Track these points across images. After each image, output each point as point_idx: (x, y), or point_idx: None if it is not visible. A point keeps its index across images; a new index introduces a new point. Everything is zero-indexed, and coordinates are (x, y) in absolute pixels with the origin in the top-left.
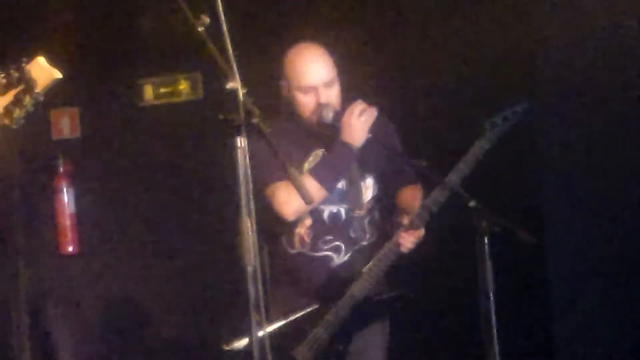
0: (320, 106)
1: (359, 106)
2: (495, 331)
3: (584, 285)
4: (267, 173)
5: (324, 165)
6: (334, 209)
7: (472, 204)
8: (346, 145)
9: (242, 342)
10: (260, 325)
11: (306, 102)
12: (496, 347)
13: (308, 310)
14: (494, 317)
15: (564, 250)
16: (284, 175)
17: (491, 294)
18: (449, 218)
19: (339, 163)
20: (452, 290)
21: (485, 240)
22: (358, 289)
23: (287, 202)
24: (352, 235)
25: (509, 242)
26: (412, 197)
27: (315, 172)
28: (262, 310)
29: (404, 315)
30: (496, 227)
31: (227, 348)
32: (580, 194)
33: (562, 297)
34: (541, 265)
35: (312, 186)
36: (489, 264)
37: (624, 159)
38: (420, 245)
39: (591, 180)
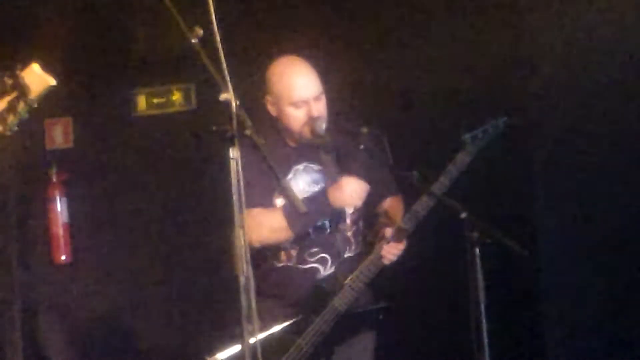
0: (311, 119)
1: (353, 182)
2: (486, 341)
3: (576, 295)
4: None
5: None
6: (318, 222)
7: (463, 215)
8: (327, 204)
9: (224, 353)
10: (253, 336)
11: (298, 116)
12: (487, 357)
13: (290, 322)
14: (485, 328)
15: (555, 261)
16: (255, 201)
17: (482, 304)
18: (441, 229)
19: (313, 214)
20: (443, 300)
21: (477, 251)
22: (340, 301)
23: (253, 230)
24: (338, 247)
25: (500, 253)
26: (394, 209)
27: (287, 214)
28: (255, 320)
29: (395, 326)
30: (487, 238)
31: (209, 359)
32: (572, 204)
33: (554, 308)
34: (532, 276)
35: (280, 224)
36: (480, 275)
37: (615, 168)
38: (409, 256)
39: (582, 191)
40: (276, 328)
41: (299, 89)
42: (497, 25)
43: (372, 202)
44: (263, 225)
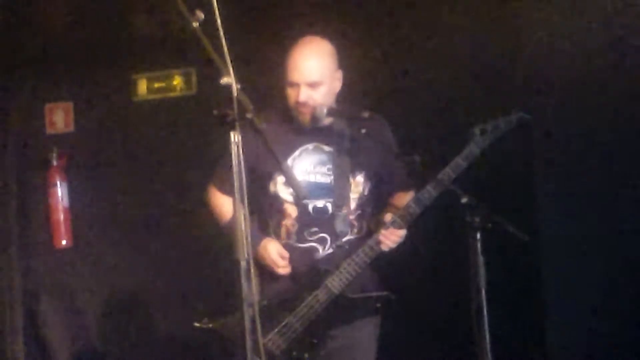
0: (296, 103)
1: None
2: (487, 327)
3: (577, 281)
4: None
5: None
6: (320, 203)
7: (465, 200)
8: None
9: (212, 323)
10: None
11: (290, 95)
12: (488, 343)
13: (277, 298)
14: (485, 313)
15: (556, 246)
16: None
17: (483, 290)
18: (442, 214)
19: None
20: (444, 286)
21: (478, 236)
22: (334, 282)
23: (212, 204)
24: (338, 229)
25: (502, 238)
26: (404, 201)
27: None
28: (256, 303)
29: (396, 311)
30: (489, 223)
31: (198, 325)
32: (573, 190)
33: (555, 293)
34: (533, 261)
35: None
36: (481, 260)
37: (616, 156)
38: (411, 242)
39: (584, 177)
40: (264, 302)
41: (294, 70)
42: (502, 18)
43: (381, 191)
44: (215, 207)
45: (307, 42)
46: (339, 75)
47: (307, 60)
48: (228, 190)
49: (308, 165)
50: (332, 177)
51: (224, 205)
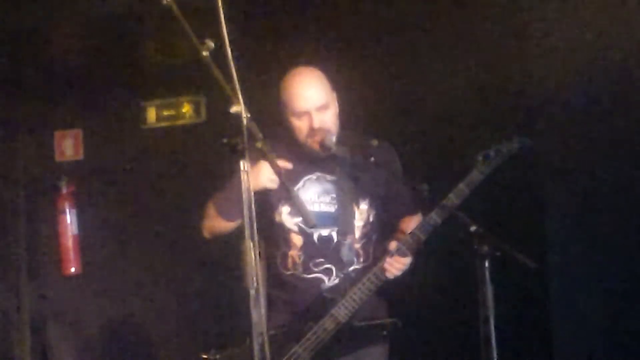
0: (312, 131)
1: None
2: (495, 356)
3: (585, 309)
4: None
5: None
6: (325, 232)
7: (473, 228)
8: None
9: (220, 353)
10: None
11: (300, 127)
12: None
13: (284, 328)
14: (494, 342)
15: (564, 275)
16: None
17: (491, 318)
18: (450, 242)
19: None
20: (453, 313)
21: (486, 264)
22: (340, 311)
23: (203, 222)
24: (344, 258)
25: (510, 266)
26: (410, 227)
27: (215, 201)
28: (265, 332)
29: (404, 339)
30: (497, 251)
31: (205, 356)
32: (581, 217)
33: (563, 321)
34: (542, 290)
35: (212, 211)
36: (489, 288)
37: (626, 182)
38: (418, 269)
39: (592, 205)
40: (271, 332)
41: (299, 99)
42: (508, 44)
43: (388, 217)
44: (205, 215)
45: (301, 71)
46: (335, 96)
47: (309, 86)
48: (231, 216)
49: (312, 195)
50: (336, 205)
51: (221, 226)
